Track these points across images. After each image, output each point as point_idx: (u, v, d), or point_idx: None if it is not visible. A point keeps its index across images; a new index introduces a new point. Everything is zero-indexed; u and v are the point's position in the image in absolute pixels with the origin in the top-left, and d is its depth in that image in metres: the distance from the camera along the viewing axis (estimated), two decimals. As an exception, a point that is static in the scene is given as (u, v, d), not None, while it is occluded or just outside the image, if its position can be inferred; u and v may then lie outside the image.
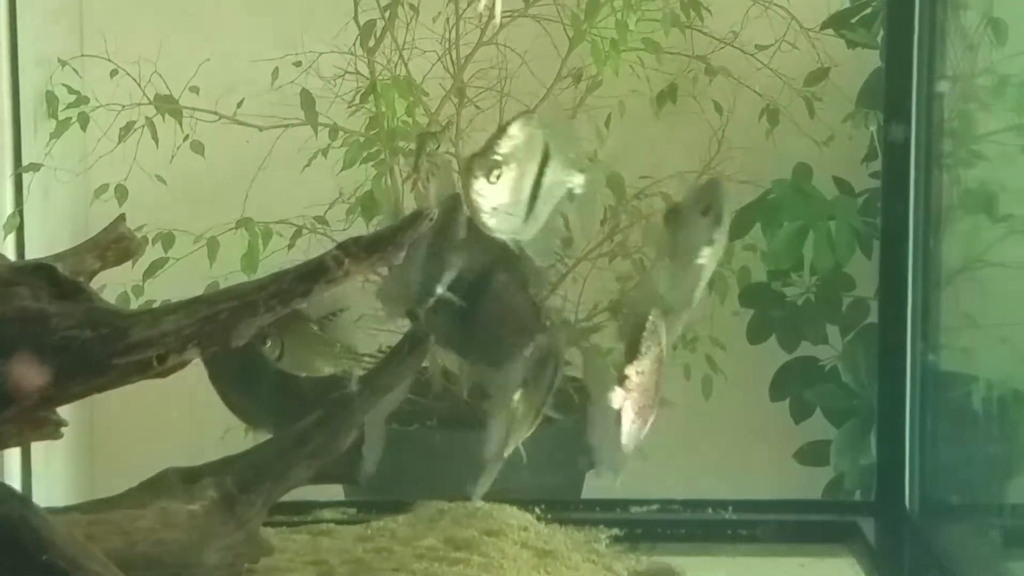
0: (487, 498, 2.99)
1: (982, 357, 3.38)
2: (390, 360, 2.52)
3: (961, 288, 3.47)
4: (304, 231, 3.83)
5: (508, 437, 2.27)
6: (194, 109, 3.83)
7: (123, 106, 3.82)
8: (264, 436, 2.54)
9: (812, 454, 4.00)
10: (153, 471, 2.50)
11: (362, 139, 3.82)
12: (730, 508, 3.12)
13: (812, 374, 4.01)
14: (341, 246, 1.91)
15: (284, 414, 2.51)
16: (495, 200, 2.15)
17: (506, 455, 2.29)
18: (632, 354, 2.21)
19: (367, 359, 2.52)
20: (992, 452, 3.34)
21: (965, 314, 3.51)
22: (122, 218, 2.19)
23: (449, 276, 2.30)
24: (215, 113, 3.83)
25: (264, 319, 1.92)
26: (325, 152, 3.82)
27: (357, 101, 3.86)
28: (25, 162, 3.66)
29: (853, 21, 3.97)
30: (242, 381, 2.50)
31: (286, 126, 3.84)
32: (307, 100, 3.81)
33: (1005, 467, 3.33)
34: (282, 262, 3.08)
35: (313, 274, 1.90)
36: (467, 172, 2.14)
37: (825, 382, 3.99)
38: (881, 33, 3.73)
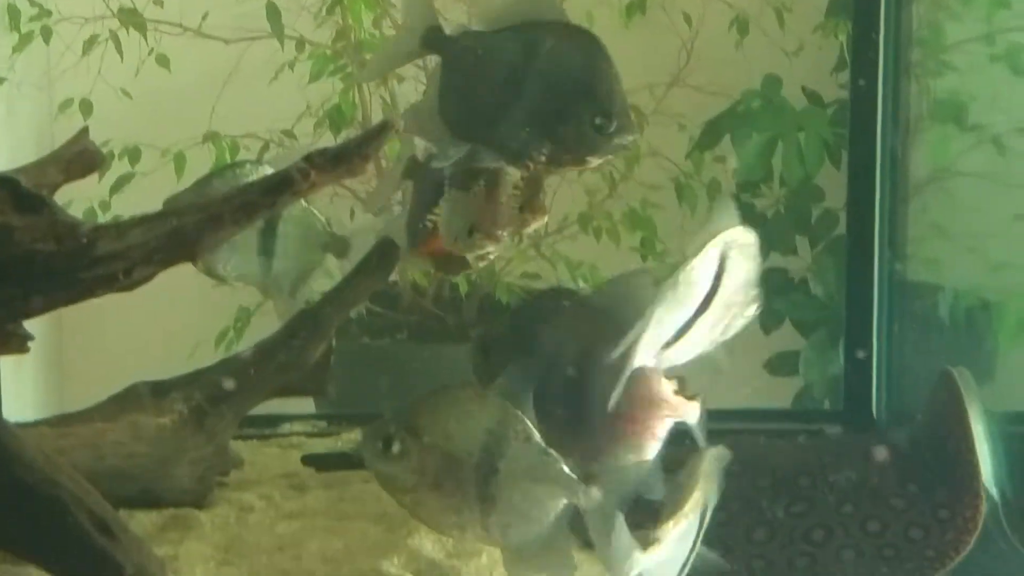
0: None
1: (949, 267, 3.40)
2: (358, 273, 2.52)
3: (929, 198, 3.48)
4: (271, 145, 3.80)
5: None
6: (159, 22, 3.80)
7: (86, 19, 3.78)
8: None
9: (782, 364, 4.01)
10: (122, 385, 2.49)
11: (329, 52, 3.79)
12: (700, 418, 3.13)
13: (782, 285, 4.02)
14: (307, 158, 1.89)
15: None
16: None
17: None
18: None
19: None
20: (959, 361, 3.36)
21: (933, 224, 3.52)
22: (85, 131, 2.17)
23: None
24: (180, 26, 3.80)
25: (230, 231, 1.90)
26: (292, 65, 3.79)
27: (324, 13, 3.82)
28: (-12, 76, 3.64)
29: (823, -70, 3.95)
30: None
31: (252, 39, 3.81)
32: (273, 12, 3.78)
33: (972, 376, 3.35)
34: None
35: (279, 186, 1.88)
36: None
37: (794, 293, 3.99)
38: (851, -58, 3.71)
